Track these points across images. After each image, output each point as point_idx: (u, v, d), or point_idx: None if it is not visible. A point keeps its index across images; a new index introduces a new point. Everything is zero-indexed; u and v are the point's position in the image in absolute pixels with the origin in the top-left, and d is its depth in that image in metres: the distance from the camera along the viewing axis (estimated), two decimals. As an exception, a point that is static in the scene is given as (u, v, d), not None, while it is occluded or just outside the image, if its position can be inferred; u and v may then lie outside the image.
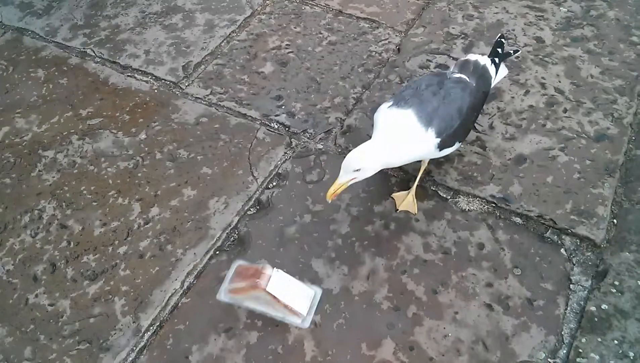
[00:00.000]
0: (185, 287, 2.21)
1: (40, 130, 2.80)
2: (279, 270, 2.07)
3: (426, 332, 2.07)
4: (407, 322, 2.10)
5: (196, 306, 2.15)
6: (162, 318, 2.13)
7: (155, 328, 2.11)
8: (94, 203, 2.48)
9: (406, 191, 2.43)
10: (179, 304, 2.17)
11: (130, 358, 2.04)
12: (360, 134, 2.68)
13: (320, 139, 2.68)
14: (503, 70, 2.56)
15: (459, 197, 2.44)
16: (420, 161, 2.37)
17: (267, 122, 2.77)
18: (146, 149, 2.68)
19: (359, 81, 2.94)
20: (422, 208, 2.40)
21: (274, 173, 2.56)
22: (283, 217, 2.39)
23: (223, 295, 2.10)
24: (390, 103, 2.21)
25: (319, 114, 2.79)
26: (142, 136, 2.73)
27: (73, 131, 2.77)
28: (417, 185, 2.42)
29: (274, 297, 2.02)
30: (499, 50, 2.48)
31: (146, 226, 2.39)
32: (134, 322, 2.12)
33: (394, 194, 2.44)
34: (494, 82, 2.44)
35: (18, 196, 2.53)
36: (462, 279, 2.19)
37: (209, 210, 2.43)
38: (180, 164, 2.61)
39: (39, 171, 2.62)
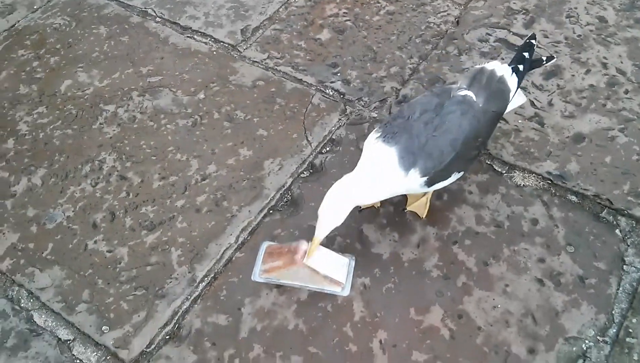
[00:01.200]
0: (239, 242, 2.26)
1: (101, 85, 2.87)
2: None
3: (475, 301, 2.08)
4: (457, 291, 2.11)
5: (250, 262, 2.21)
6: (216, 271, 2.19)
7: (209, 279, 2.17)
8: (153, 157, 2.55)
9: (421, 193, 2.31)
10: (233, 258, 2.22)
11: (185, 307, 2.11)
12: (415, 105, 2.67)
13: (374, 107, 2.69)
14: (519, 97, 2.24)
15: (514, 172, 2.42)
16: None
17: (322, 89, 2.79)
18: (204, 108, 2.73)
19: (416, 52, 2.93)
20: (476, 181, 2.39)
21: (327, 138, 2.59)
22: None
23: (257, 276, 2.13)
24: (379, 134, 2.00)
25: (375, 83, 2.79)
26: (201, 95, 2.78)
27: (133, 87, 2.84)
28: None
29: (313, 270, 2.04)
30: (526, 55, 2.15)
31: (203, 182, 2.45)
32: (189, 272, 2.18)
33: (409, 193, 2.30)
34: (512, 102, 2.16)
35: (79, 147, 2.62)
36: (514, 253, 2.19)
37: (263, 171, 2.47)
38: (237, 125, 2.65)
39: (100, 124, 2.70)
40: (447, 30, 3.02)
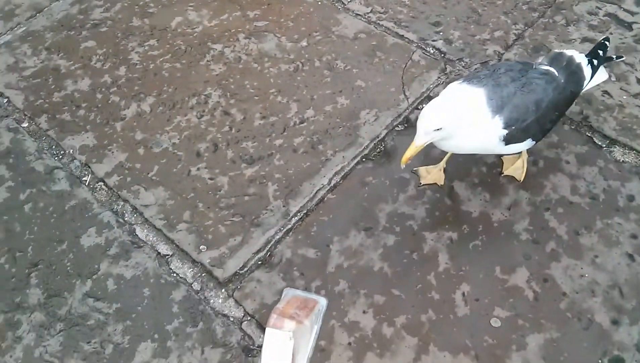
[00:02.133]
0: (332, 184, 2.34)
1: (210, 24, 2.98)
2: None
3: (563, 268, 2.09)
4: (545, 256, 2.12)
5: (341, 203, 2.29)
6: (308, 208, 2.28)
7: (302, 215, 2.27)
8: (256, 98, 2.65)
9: (516, 155, 2.31)
10: (325, 198, 2.31)
11: (278, 237, 2.21)
12: (517, 71, 2.64)
13: (475, 69, 2.68)
14: (602, 74, 2.29)
15: (615, 147, 2.38)
16: None
17: (423, 46, 2.80)
18: (306, 55, 2.80)
19: (522, 18, 2.88)
20: (574, 152, 2.37)
21: (425, 95, 2.61)
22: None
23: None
24: (461, 81, 2.02)
25: (477, 45, 2.77)
26: (304, 43, 2.85)
27: (240, 30, 2.94)
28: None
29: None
30: (600, 52, 2.23)
31: (301, 125, 2.53)
32: (283, 206, 2.29)
33: (504, 157, 2.33)
34: (588, 85, 2.20)
35: (187, 81, 2.75)
36: (607, 226, 2.17)
37: (359, 120, 2.53)
38: (337, 74, 2.71)
39: (207, 61, 2.82)
40: (555, 0, 2.95)
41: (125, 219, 2.32)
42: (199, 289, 2.12)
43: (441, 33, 2.84)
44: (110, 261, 2.20)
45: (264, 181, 2.37)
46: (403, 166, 1.96)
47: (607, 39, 2.27)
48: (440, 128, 1.88)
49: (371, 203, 2.29)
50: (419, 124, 1.89)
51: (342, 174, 2.38)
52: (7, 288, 2.16)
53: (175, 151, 2.50)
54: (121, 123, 2.61)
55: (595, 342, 1.93)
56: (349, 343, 1.97)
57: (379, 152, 2.44)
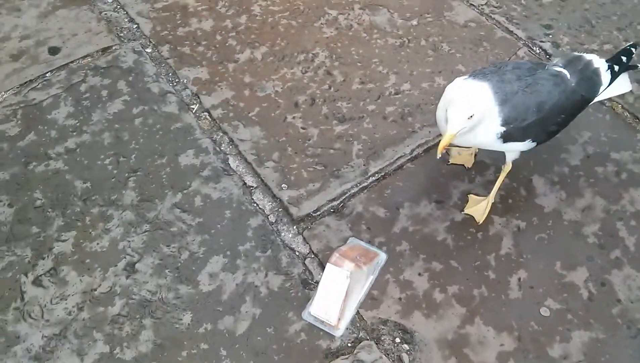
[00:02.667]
0: (413, 155, 2.46)
1: (330, -9, 3.16)
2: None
3: (623, 277, 2.11)
4: (608, 262, 2.15)
5: (418, 173, 2.40)
6: (387, 171, 2.42)
7: (379, 176, 2.41)
8: (359, 64, 2.80)
9: (482, 197, 2.30)
10: (404, 166, 2.43)
11: (353, 191, 2.37)
12: (621, 84, 2.63)
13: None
14: (625, 84, 2.24)
15: None
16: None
17: (530, 45, 2.84)
18: (414, 34, 2.92)
19: (634, 37, 2.86)
20: (662, 171, 2.35)
21: (522, 91, 2.65)
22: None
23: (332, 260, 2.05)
24: (467, 77, 2.03)
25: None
26: (414, 22, 2.97)
27: (357, 0, 3.09)
28: (495, 195, 2.28)
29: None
30: (624, 58, 2.17)
31: (395, 95, 2.66)
32: (364, 165, 2.43)
33: (470, 196, 2.31)
34: (606, 92, 2.16)
35: (299, 38, 2.94)
36: (679, 247, 2.16)
37: (452, 102, 2.62)
38: (440, 56, 2.81)
39: (321, 23, 3.00)
40: (675, 24, 2.90)
41: (222, 148, 2.54)
42: (273, 221, 2.31)
43: (550, 36, 2.87)
44: (202, 181, 2.43)
45: (351, 139, 2.52)
46: (439, 155, 1.95)
47: (635, 45, 2.23)
48: (473, 116, 1.88)
49: (447, 179, 2.39)
50: (451, 112, 1.88)
51: (426, 147, 2.49)
52: (107, 186, 2.44)
53: (277, 98, 2.70)
54: (233, 65, 2.84)
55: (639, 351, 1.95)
56: (400, 299, 2.10)
57: (464, 135, 2.52)
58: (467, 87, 1.95)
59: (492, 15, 2.99)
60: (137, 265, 2.21)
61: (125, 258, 2.23)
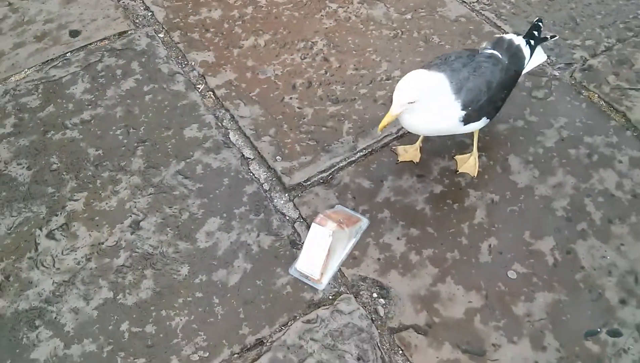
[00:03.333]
0: (399, 134, 2.65)
1: (331, -13, 3.39)
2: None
3: (588, 247, 2.28)
4: (574, 233, 2.32)
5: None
6: (373, 148, 2.62)
7: (366, 152, 2.60)
8: (354, 52, 3.01)
9: (468, 154, 2.51)
10: (390, 144, 2.63)
11: (342, 164, 2.56)
12: (598, 77, 2.81)
13: (559, 67, 2.88)
14: (541, 56, 2.51)
15: (671, 159, 2.51)
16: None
17: (516, 40, 3.03)
18: (407, 27, 3.12)
19: (616, 35, 3.03)
20: (630, 155, 2.52)
21: (505, 80, 2.84)
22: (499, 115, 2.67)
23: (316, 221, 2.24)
24: (421, 68, 2.20)
25: (566, 48, 2.97)
26: (408, 16, 3.18)
27: (356, -5, 3.32)
28: (477, 148, 2.49)
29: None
30: (535, 33, 2.43)
31: (387, 81, 2.86)
32: (353, 142, 2.63)
33: (457, 157, 2.53)
34: (528, 65, 2.41)
35: (300, 28, 3.16)
36: (641, 222, 2.33)
37: (439, 88, 2.82)
38: (430, 47, 3.01)
39: (321, 15, 3.22)
40: (655, 23, 3.08)
41: (223, 124, 2.76)
42: (267, 189, 2.52)
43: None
44: (203, 152, 2.65)
45: (342, 119, 2.72)
46: (379, 132, 2.31)
47: (540, 20, 2.49)
48: (414, 101, 2.08)
49: (429, 156, 2.57)
50: (395, 95, 2.08)
51: (411, 128, 2.67)
52: (117, 153, 2.67)
53: (276, 80, 2.91)
54: (238, 50, 3.07)
55: (599, 313, 2.11)
56: (378, 259, 2.29)
57: (449, 118, 2.71)
58: (412, 76, 2.12)
59: (482, 12, 3.19)
60: (141, 223, 2.43)
61: (130, 216, 2.45)
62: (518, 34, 2.49)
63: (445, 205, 2.42)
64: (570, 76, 2.85)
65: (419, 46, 3.02)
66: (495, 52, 2.30)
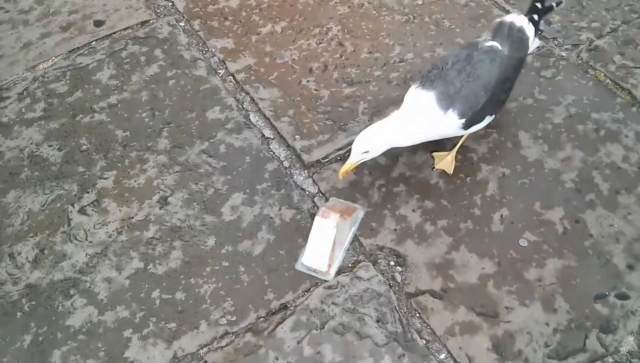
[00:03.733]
0: (413, 113, 2.76)
1: (344, -24, 3.50)
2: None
3: (596, 216, 2.38)
4: (582, 203, 2.42)
5: (417, 128, 2.70)
6: (389, 126, 2.72)
7: (382, 130, 2.71)
8: (367, 36, 3.13)
9: (446, 153, 2.56)
10: (405, 122, 2.73)
11: (358, 142, 2.67)
12: (604, 57, 2.91)
13: (566, 48, 2.98)
14: (535, 41, 2.47)
15: (676, 132, 2.60)
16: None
17: (524, 23, 3.13)
18: (419, 12, 3.23)
19: (621, 16, 3.12)
20: (636, 130, 2.62)
21: (514, 62, 2.95)
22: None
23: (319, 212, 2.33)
24: (417, 84, 2.29)
25: (573, 30, 3.07)
26: (419, 2, 3.29)
27: (368, -18, 3.43)
28: (457, 151, 2.55)
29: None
30: (537, 4, 2.38)
31: (400, 63, 2.98)
32: (368, 121, 2.74)
33: (434, 153, 2.58)
34: (532, 45, 2.40)
35: (315, 14, 3.28)
36: (648, 193, 2.42)
37: (451, 70, 2.92)
38: (441, 30, 3.12)
39: (335, 2, 3.34)
40: (660, 5, 3.17)
41: (244, 106, 2.88)
42: (287, 166, 2.63)
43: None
44: (226, 133, 2.77)
45: (358, 99, 2.84)
46: (341, 177, 2.39)
47: None
48: (367, 151, 2.27)
49: (442, 133, 2.68)
50: (353, 145, 2.28)
51: (424, 107, 2.78)
52: (144, 134, 2.80)
53: (293, 64, 3.03)
54: (256, 37, 3.19)
55: (607, 278, 2.21)
56: (395, 229, 2.40)
57: (460, 98, 2.82)
58: (368, 131, 2.30)
59: (491, -3, 3.29)
60: (169, 199, 2.55)
61: (159, 193, 2.58)
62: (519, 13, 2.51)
63: (458, 179, 2.53)
64: (577, 56, 2.94)
65: (430, 30, 3.13)
66: (495, 43, 2.33)
